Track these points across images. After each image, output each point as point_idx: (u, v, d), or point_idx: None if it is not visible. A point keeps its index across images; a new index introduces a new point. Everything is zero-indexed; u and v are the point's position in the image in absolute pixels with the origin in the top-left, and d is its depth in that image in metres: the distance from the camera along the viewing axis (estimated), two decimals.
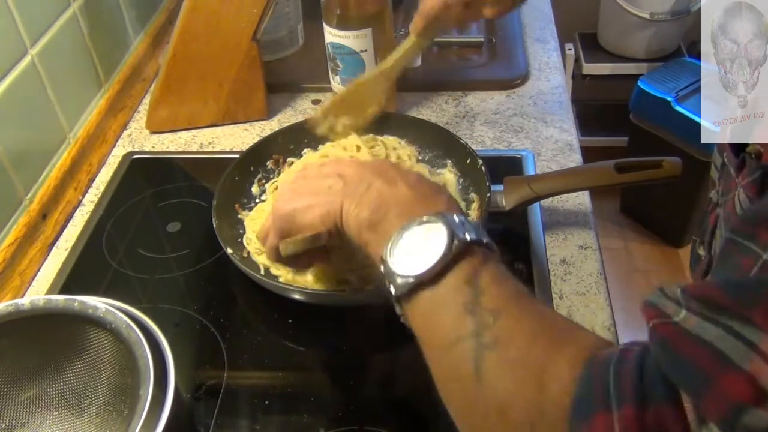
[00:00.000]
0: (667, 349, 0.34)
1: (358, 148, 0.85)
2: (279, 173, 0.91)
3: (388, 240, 0.48)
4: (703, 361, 0.32)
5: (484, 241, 0.47)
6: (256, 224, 0.82)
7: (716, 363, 0.31)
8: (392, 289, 0.47)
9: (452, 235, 0.46)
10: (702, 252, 0.69)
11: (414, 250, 0.47)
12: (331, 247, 0.61)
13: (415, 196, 0.51)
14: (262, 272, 0.78)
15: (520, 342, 0.42)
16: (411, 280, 0.46)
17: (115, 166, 1.00)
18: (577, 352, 0.41)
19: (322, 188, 0.55)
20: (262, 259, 0.79)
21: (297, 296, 0.73)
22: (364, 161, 0.58)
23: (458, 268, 0.45)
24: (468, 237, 0.46)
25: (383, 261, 0.48)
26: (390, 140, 0.91)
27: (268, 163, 0.91)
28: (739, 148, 0.55)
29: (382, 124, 0.93)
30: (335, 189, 0.54)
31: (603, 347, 0.41)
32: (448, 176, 0.88)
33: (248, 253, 0.81)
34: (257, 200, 0.88)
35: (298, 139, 0.93)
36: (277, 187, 0.88)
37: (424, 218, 0.47)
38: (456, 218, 0.47)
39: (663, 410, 0.33)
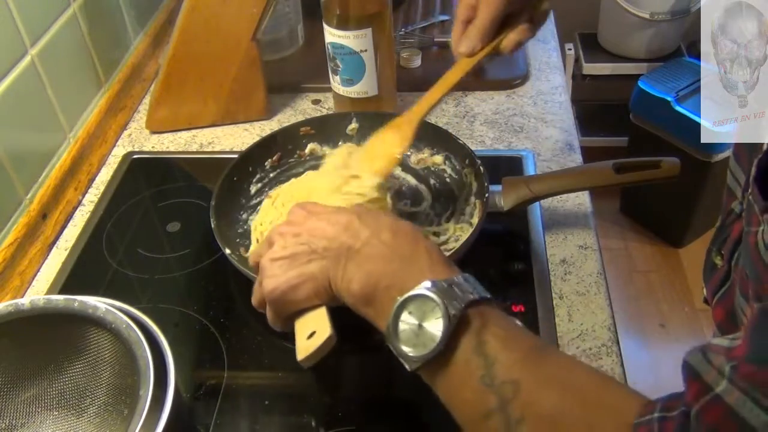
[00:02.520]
0: None
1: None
2: (276, 175, 0.91)
3: (387, 318, 0.49)
4: None
5: (477, 298, 0.48)
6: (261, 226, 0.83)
7: None
8: (405, 365, 0.49)
9: (446, 308, 0.46)
10: (719, 262, 0.67)
11: (414, 329, 0.48)
12: None
13: (396, 262, 0.51)
14: None
15: (549, 411, 0.43)
16: (420, 362, 0.47)
17: (115, 166, 1.00)
18: (617, 416, 0.41)
19: (302, 261, 0.56)
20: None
21: None
22: (331, 215, 0.57)
23: (463, 339, 0.46)
24: (461, 304, 0.47)
25: (389, 340, 0.49)
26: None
27: (266, 163, 0.91)
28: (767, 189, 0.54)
29: (382, 126, 0.93)
30: (315, 261, 0.55)
31: (637, 411, 0.40)
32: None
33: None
34: (256, 200, 0.88)
35: (297, 139, 0.93)
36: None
37: (415, 292, 0.48)
38: (444, 284, 0.48)
39: None
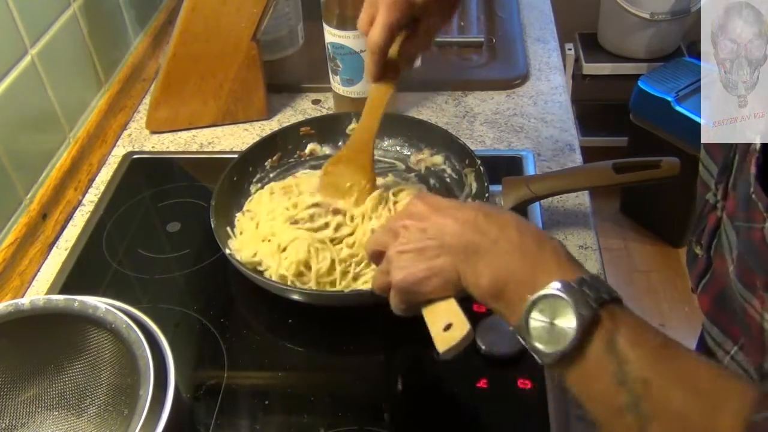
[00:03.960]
0: None
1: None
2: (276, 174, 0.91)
3: (518, 315, 0.50)
4: None
5: (607, 298, 0.49)
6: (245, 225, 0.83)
7: None
8: (539, 360, 0.50)
9: (578, 308, 0.48)
10: (699, 252, 0.69)
11: (546, 326, 0.49)
12: None
13: (524, 260, 0.53)
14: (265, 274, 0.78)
15: (677, 409, 0.44)
16: (553, 358, 0.48)
17: (115, 166, 1.00)
18: (735, 412, 0.42)
19: (430, 255, 0.57)
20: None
21: (296, 296, 0.74)
22: (456, 211, 0.58)
23: (594, 338, 0.47)
24: (593, 304, 0.48)
25: (521, 337, 0.50)
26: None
27: (266, 163, 0.91)
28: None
29: (382, 126, 0.93)
30: (443, 256, 0.56)
31: (758, 402, 0.42)
32: None
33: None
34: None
35: (297, 139, 0.93)
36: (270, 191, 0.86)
37: (545, 292, 0.49)
38: (574, 284, 0.49)
39: None
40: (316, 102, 1.10)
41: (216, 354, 0.74)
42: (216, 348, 0.74)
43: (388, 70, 0.73)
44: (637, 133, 2.04)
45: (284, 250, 0.76)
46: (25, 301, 0.62)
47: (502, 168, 0.90)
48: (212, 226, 0.79)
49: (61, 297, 0.63)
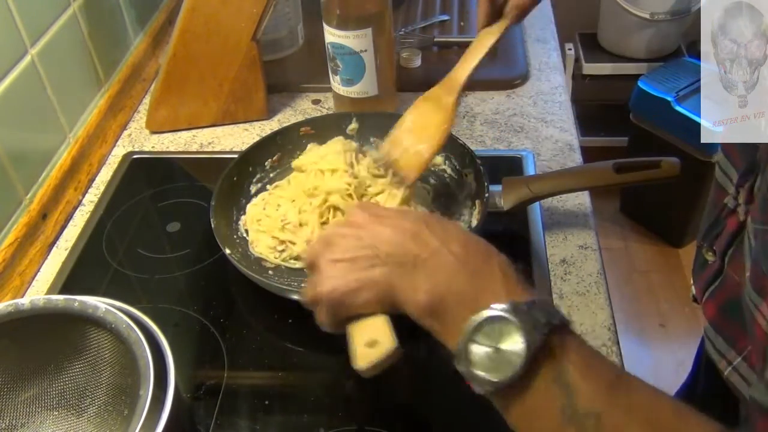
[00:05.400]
0: None
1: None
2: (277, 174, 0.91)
3: (457, 336, 0.46)
4: None
5: (557, 323, 0.45)
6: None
7: None
8: (475, 387, 0.46)
9: (527, 333, 0.43)
10: (710, 258, 0.67)
11: (490, 352, 0.45)
12: None
13: (467, 276, 0.49)
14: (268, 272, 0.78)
15: None
16: (496, 387, 0.44)
17: (115, 166, 1.00)
18: None
19: (363, 266, 0.52)
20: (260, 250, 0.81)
21: (297, 296, 0.73)
22: (397, 220, 0.53)
23: (543, 367, 0.44)
24: (544, 329, 0.44)
25: (458, 361, 0.46)
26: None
27: (266, 163, 0.91)
28: None
29: (382, 126, 0.93)
30: (379, 267, 0.52)
31: None
32: None
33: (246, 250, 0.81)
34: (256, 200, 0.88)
35: (297, 139, 0.93)
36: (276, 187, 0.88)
37: (492, 314, 0.45)
38: (524, 306, 0.45)
39: None
40: (316, 102, 1.10)
41: (216, 354, 0.74)
42: (216, 348, 0.74)
43: (494, 18, 0.75)
44: (637, 133, 2.04)
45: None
46: (25, 301, 0.62)
47: (502, 168, 0.90)
48: (212, 226, 0.79)
49: (61, 297, 0.63)
